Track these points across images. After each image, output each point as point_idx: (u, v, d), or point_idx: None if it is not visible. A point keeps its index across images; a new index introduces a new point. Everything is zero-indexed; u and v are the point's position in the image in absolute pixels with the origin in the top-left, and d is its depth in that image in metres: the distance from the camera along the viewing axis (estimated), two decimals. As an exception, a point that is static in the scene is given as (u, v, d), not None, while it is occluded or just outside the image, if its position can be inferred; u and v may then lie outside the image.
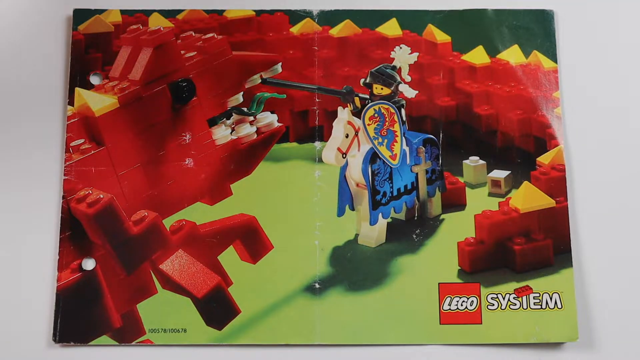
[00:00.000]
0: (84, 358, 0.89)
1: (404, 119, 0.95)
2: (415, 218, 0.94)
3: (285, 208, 0.93)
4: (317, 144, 0.95)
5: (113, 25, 0.97)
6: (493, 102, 0.96)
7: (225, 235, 0.91)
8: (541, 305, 0.89)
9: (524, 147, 0.95)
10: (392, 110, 0.94)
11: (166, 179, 0.92)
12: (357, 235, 0.93)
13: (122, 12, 0.97)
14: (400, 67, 0.95)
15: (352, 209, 0.94)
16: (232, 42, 0.96)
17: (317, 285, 0.90)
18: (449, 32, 0.98)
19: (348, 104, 0.94)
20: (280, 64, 0.97)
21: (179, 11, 0.98)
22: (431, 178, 0.95)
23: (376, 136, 0.93)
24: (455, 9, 0.98)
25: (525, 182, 0.93)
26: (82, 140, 0.91)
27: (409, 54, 0.95)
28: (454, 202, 0.95)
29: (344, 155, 0.92)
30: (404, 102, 0.94)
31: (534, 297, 0.90)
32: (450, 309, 0.90)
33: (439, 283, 0.90)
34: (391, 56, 0.95)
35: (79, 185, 0.91)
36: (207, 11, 0.98)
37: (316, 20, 0.98)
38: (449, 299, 0.90)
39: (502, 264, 0.91)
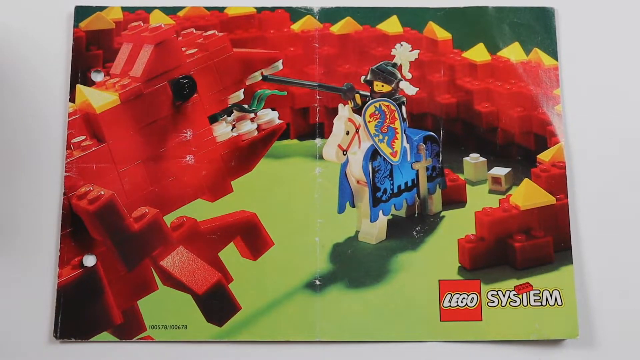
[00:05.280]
0: (85, 354, 0.89)
1: (405, 116, 0.95)
2: (416, 215, 0.94)
3: (285, 205, 0.93)
4: (318, 141, 0.95)
5: (114, 22, 0.97)
6: (494, 99, 0.96)
7: (226, 231, 0.92)
8: (541, 302, 0.89)
9: (525, 144, 0.95)
10: (393, 108, 0.94)
11: (167, 175, 0.92)
12: (357, 232, 0.93)
13: (123, 9, 0.97)
14: (401, 65, 0.95)
15: (353, 205, 0.94)
16: (233, 39, 0.96)
17: (317, 282, 0.90)
18: (450, 30, 0.98)
19: (349, 101, 0.94)
20: (281, 61, 0.97)
21: (180, 8, 0.98)
22: (432, 175, 0.95)
23: (377, 133, 0.93)
24: (456, 7, 0.98)
25: (526, 180, 0.93)
26: (83, 137, 0.91)
27: (410, 51, 0.95)
28: (455, 199, 0.95)
29: (345, 152, 0.92)
30: (404, 99, 0.95)
31: (534, 294, 0.90)
32: (450, 305, 0.90)
33: (439, 280, 0.91)
34: (392, 53, 0.95)
35: (80, 181, 0.91)
36: (208, 8, 0.98)
37: (317, 17, 0.98)
38: (449, 295, 0.90)
39: (503, 261, 0.91)
